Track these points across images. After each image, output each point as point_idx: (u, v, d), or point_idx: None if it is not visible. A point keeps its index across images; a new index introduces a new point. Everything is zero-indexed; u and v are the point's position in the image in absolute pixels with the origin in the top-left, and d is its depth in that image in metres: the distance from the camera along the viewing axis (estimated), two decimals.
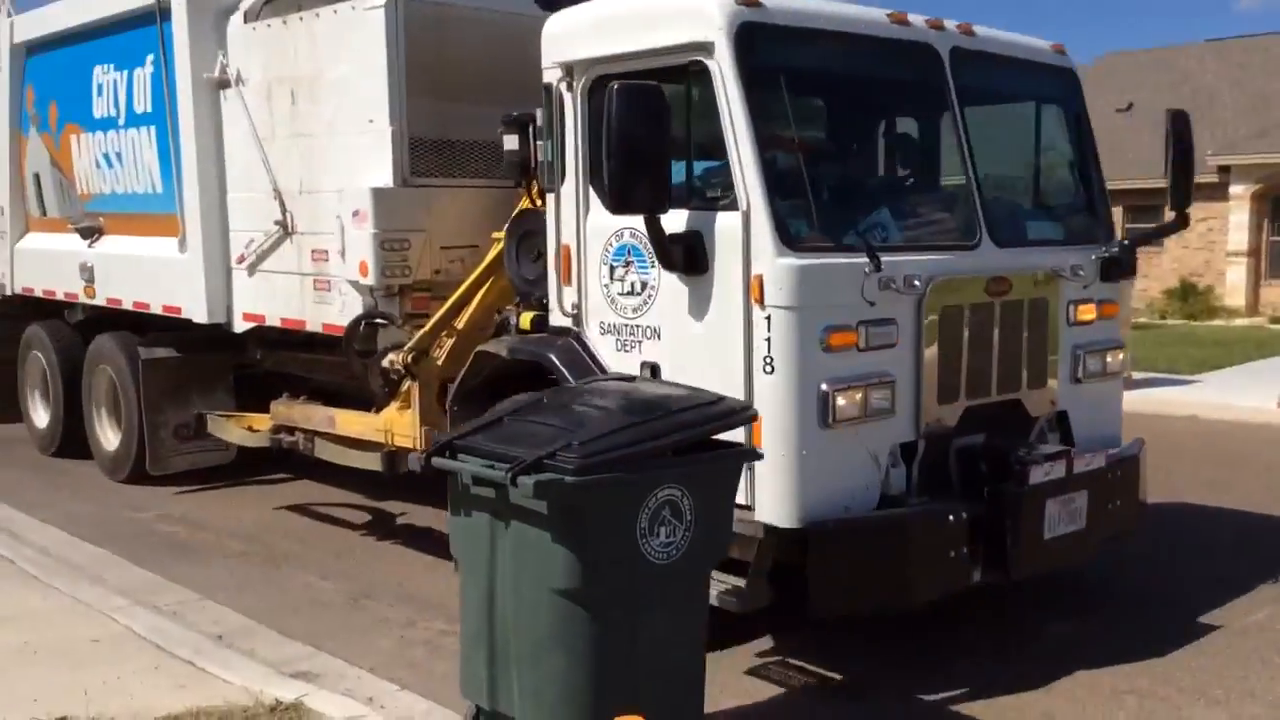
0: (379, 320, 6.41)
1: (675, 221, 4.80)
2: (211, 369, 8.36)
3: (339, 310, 6.64)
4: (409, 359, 6.16)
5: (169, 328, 8.37)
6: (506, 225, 5.86)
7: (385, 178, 6.26)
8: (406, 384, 6.31)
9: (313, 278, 6.86)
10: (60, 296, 9.48)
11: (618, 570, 3.60)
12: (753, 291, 4.60)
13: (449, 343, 6.21)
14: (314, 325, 6.93)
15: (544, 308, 5.55)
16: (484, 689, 3.83)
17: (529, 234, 5.67)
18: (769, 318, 4.56)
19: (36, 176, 9.84)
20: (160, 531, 7.43)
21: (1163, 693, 4.73)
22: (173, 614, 5.59)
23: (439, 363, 6.27)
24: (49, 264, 9.60)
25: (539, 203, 5.66)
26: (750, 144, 4.62)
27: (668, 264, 4.82)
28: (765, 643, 5.25)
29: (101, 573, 6.27)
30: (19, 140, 9.96)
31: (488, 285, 6.07)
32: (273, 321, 7.35)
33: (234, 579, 6.38)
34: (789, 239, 4.59)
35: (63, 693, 4.31)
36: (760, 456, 4.24)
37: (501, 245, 5.88)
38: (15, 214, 10.12)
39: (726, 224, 4.71)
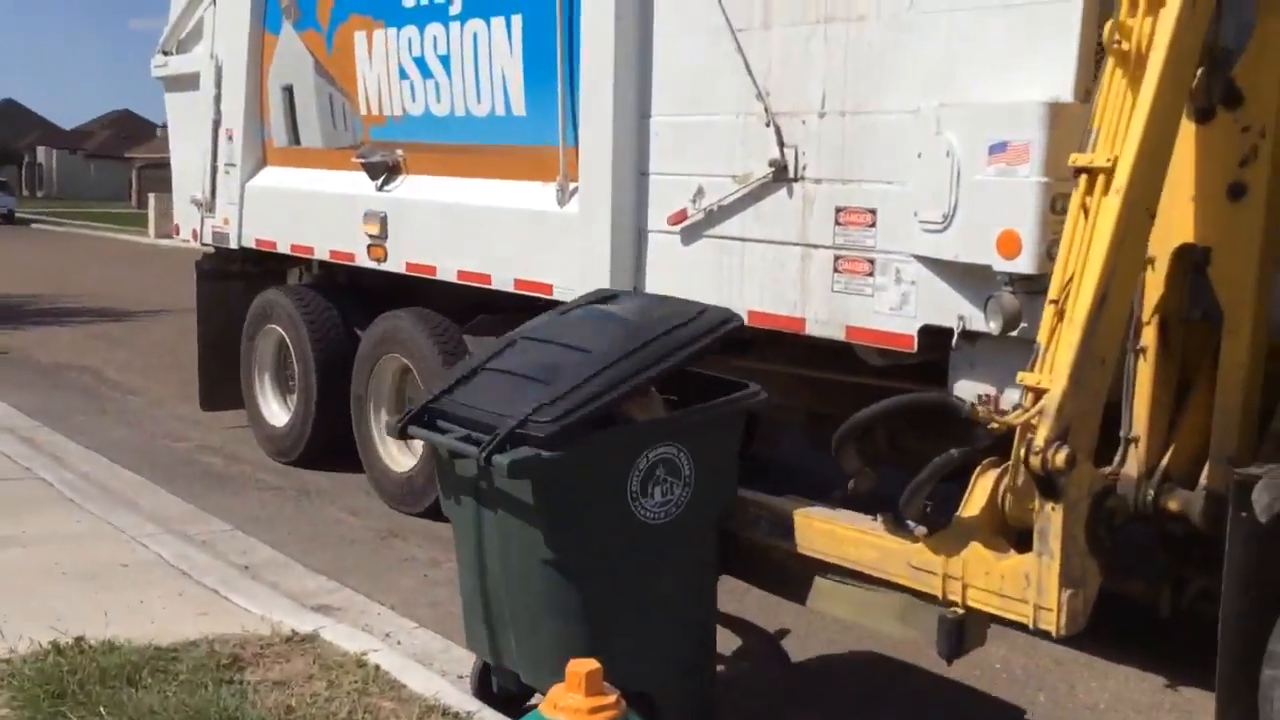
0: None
1: None
2: None
3: (893, 308, 4.14)
4: (1059, 456, 3.11)
5: (478, 305, 6.02)
6: None
7: (1063, 85, 3.66)
8: (1032, 499, 3.27)
9: (833, 252, 4.34)
10: (322, 256, 7.06)
11: (609, 537, 3.44)
12: None
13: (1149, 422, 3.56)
14: (826, 328, 4.38)
15: None
16: (486, 646, 3.78)
17: None
18: None
19: (288, 91, 7.27)
20: (198, 461, 7.53)
21: None
22: (202, 543, 5.65)
23: (1162, 456, 3.57)
24: (301, 211, 7.17)
25: None
26: None
27: None
28: None
29: (137, 499, 6.36)
30: (262, 41, 7.34)
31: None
32: None
33: (266, 511, 6.44)
34: None
35: (85, 613, 4.36)
36: (762, 397, 3.70)
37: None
38: (249, 141, 7.53)
39: None
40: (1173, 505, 3.53)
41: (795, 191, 4.48)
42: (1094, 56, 3.61)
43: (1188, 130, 3.45)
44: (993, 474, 3.41)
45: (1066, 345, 3.18)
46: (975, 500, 3.42)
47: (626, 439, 3.45)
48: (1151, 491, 3.55)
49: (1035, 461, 3.13)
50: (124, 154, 63.04)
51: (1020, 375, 3.27)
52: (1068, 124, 3.60)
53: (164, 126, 8.42)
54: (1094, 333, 3.18)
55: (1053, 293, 3.27)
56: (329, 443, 7.09)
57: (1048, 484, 3.18)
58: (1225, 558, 3.18)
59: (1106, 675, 4.51)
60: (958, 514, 3.44)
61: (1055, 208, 3.63)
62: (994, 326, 3.73)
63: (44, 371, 10.79)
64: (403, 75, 6.27)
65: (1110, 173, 3.21)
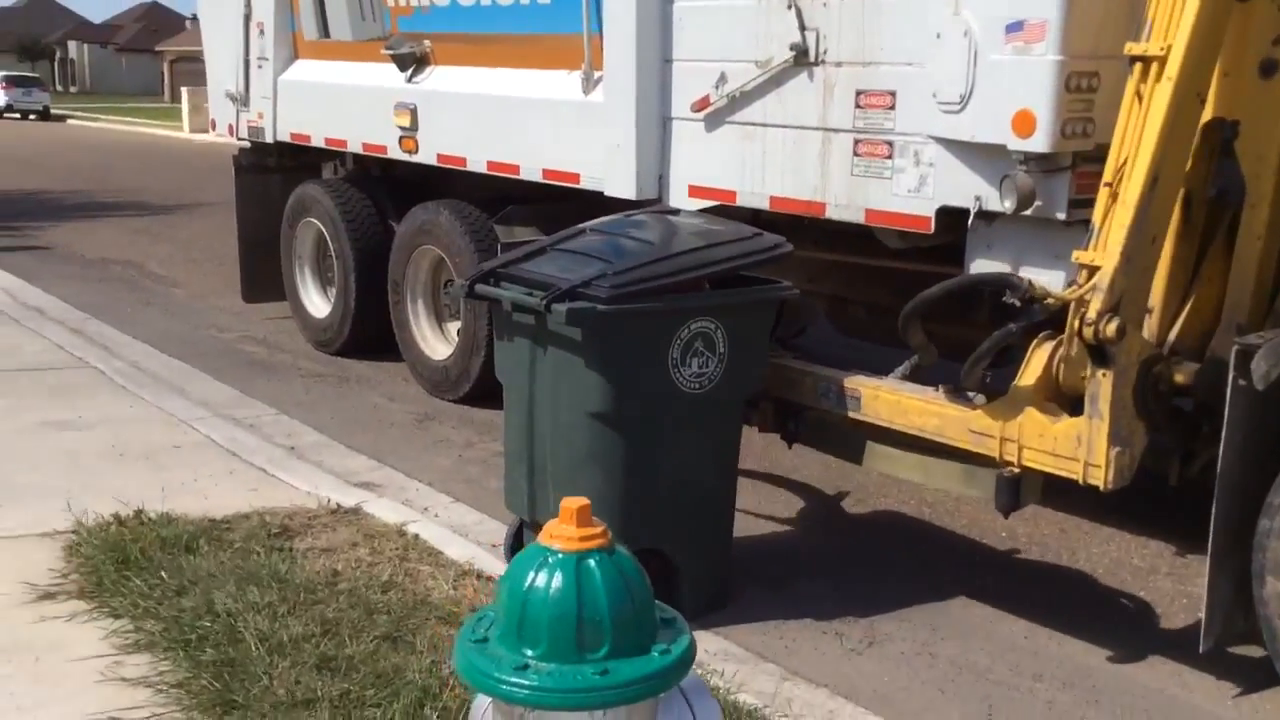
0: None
1: None
2: None
3: (911, 190, 4.20)
4: (1110, 326, 3.33)
5: (508, 196, 6.17)
6: None
7: None
8: (1085, 367, 3.49)
9: (853, 136, 4.38)
10: (355, 149, 7.20)
11: (650, 397, 3.74)
12: None
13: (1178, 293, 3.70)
14: (846, 211, 4.44)
15: None
16: (525, 503, 4.04)
17: None
18: None
19: None
20: (243, 351, 7.78)
21: None
22: (250, 426, 5.91)
23: (1171, 330, 3.71)
24: (334, 104, 7.28)
25: None
26: None
27: None
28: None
29: (185, 386, 6.62)
30: None
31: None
32: (752, 201, 4.84)
33: (309, 397, 6.70)
34: None
35: (143, 490, 4.64)
36: (794, 292, 4.06)
37: None
38: (280, 34, 7.57)
39: None
40: (1179, 378, 3.65)
41: (816, 75, 4.51)
42: None
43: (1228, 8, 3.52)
44: (1048, 346, 3.63)
45: (1119, 225, 3.35)
46: (1031, 370, 3.65)
47: (672, 307, 3.75)
48: (1160, 365, 3.67)
49: (1088, 332, 3.36)
50: (155, 47, 62.66)
51: (1075, 254, 3.46)
52: (1084, 2, 3.66)
53: (193, 18, 8.54)
54: (1145, 213, 3.36)
55: (1107, 175, 3.43)
56: (369, 333, 7.25)
57: (1099, 353, 3.41)
58: (1225, 423, 3.33)
59: (1109, 542, 4.70)
60: (1014, 383, 3.67)
61: (1070, 86, 3.69)
62: (1008, 205, 3.83)
63: (89, 266, 11.05)
64: None
65: (1163, 61, 3.34)
